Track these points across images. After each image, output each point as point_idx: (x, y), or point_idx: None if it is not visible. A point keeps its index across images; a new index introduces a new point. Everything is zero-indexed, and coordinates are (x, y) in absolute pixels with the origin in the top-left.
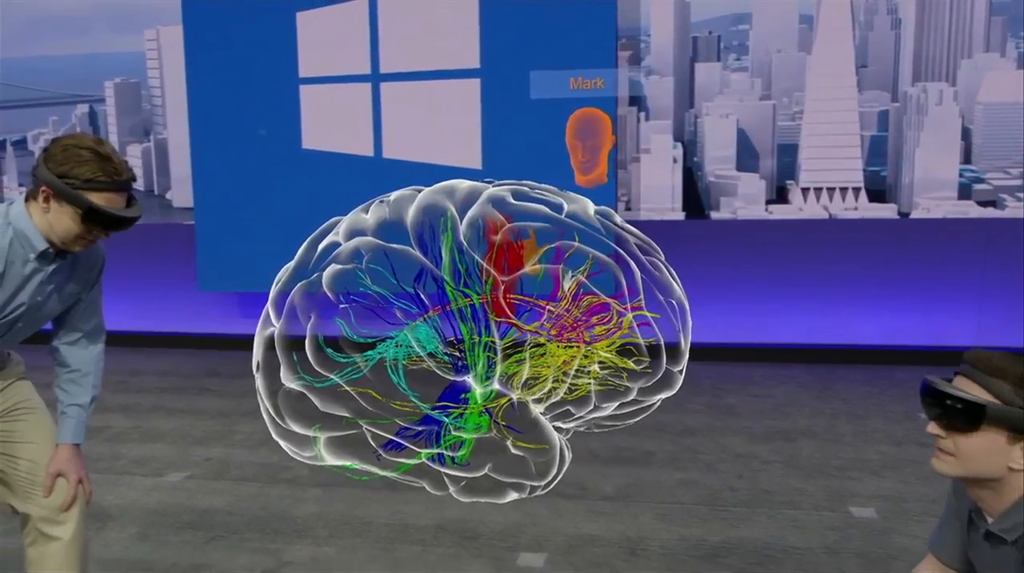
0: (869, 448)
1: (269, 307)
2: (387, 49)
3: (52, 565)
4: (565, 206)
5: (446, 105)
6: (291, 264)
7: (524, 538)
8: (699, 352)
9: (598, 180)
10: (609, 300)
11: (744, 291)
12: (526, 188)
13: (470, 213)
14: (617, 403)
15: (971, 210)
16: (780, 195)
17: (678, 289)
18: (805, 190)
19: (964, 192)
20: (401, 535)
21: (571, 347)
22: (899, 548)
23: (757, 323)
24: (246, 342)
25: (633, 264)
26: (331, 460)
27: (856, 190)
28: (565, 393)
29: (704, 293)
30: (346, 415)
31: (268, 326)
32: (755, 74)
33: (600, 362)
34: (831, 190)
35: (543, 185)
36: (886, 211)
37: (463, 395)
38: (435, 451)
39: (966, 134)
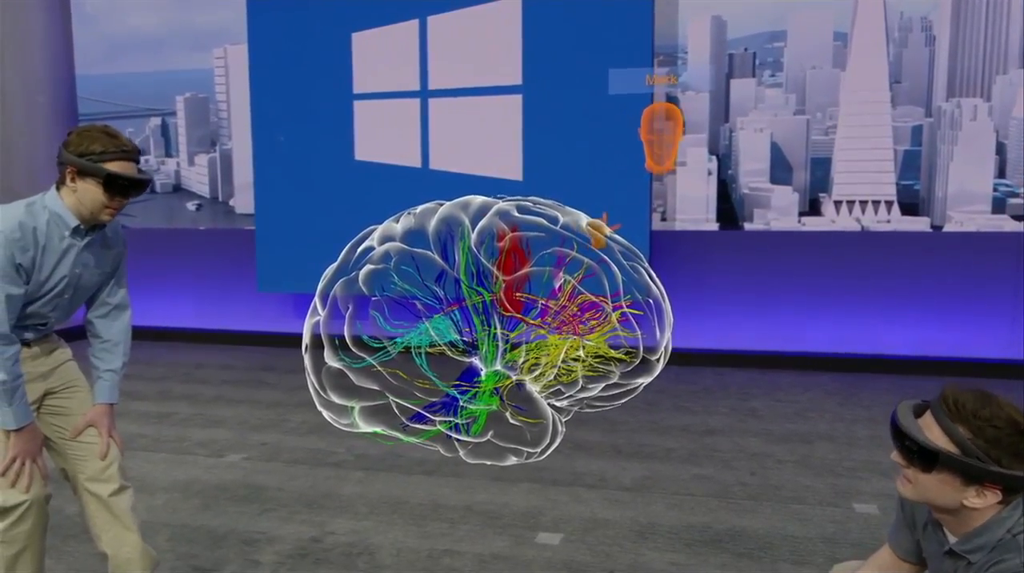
0: (882, 451)
1: (316, 300)
2: (435, 67)
3: (102, 517)
4: (560, 218)
5: (490, 120)
6: (334, 264)
7: (544, 520)
8: (728, 358)
9: (669, 168)
10: (598, 299)
11: (775, 301)
12: (529, 203)
13: (481, 223)
14: (602, 385)
15: (1005, 224)
16: (813, 207)
17: (655, 289)
18: (838, 203)
19: (998, 206)
20: (432, 513)
21: (565, 338)
22: None
23: (787, 332)
24: (300, 340)
25: (615, 267)
26: (364, 427)
27: (889, 203)
28: (561, 376)
29: (736, 302)
30: (379, 390)
31: (315, 315)
32: (789, 90)
33: (590, 352)
34: (864, 203)
35: (544, 200)
36: (919, 224)
37: (476, 378)
38: (453, 421)
39: (1000, 149)
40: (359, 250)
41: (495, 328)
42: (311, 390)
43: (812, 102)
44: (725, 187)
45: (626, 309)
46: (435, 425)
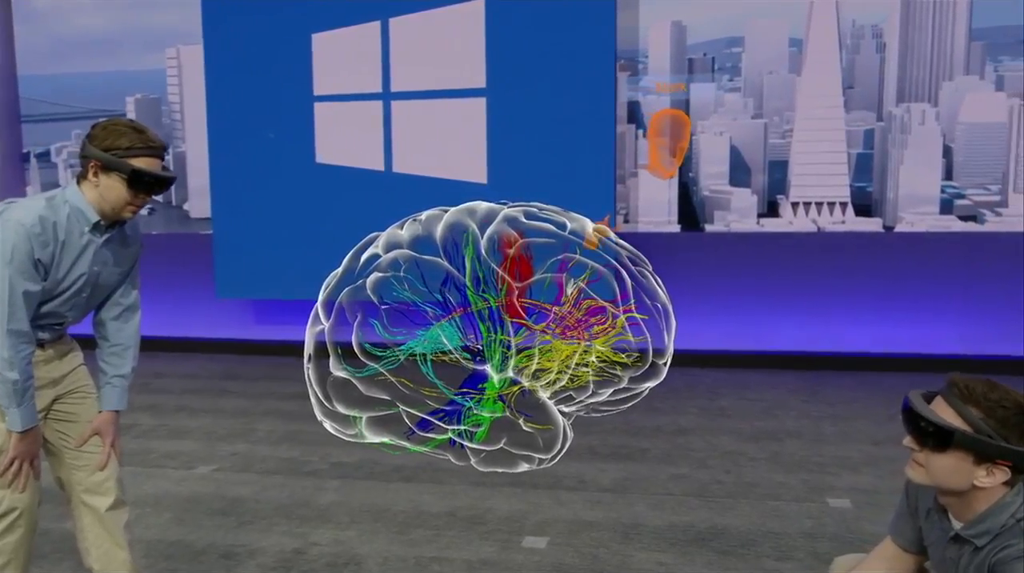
0: (850, 447)
1: (319, 309)
2: (398, 69)
3: (95, 531)
4: (568, 224)
5: (454, 123)
6: (338, 272)
7: (528, 524)
8: (695, 358)
9: (673, 173)
10: (605, 304)
11: (737, 301)
12: (535, 209)
13: (489, 230)
14: (611, 390)
15: (953, 224)
16: (771, 209)
17: (662, 294)
18: (795, 204)
19: (946, 207)
20: (416, 520)
21: (573, 343)
22: (870, 533)
23: (750, 331)
24: (262, 347)
25: (624, 273)
26: (370, 437)
27: (843, 205)
28: (568, 382)
29: (699, 302)
30: (384, 398)
31: (317, 325)
32: (747, 94)
33: (597, 356)
34: (819, 205)
35: (550, 206)
36: (872, 225)
37: (480, 384)
38: (459, 428)
39: (947, 152)
40: (363, 257)
41: (501, 334)
42: (313, 401)
43: (769, 106)
44: (686, 190)
45: (632, 313)
46: (440, 433)
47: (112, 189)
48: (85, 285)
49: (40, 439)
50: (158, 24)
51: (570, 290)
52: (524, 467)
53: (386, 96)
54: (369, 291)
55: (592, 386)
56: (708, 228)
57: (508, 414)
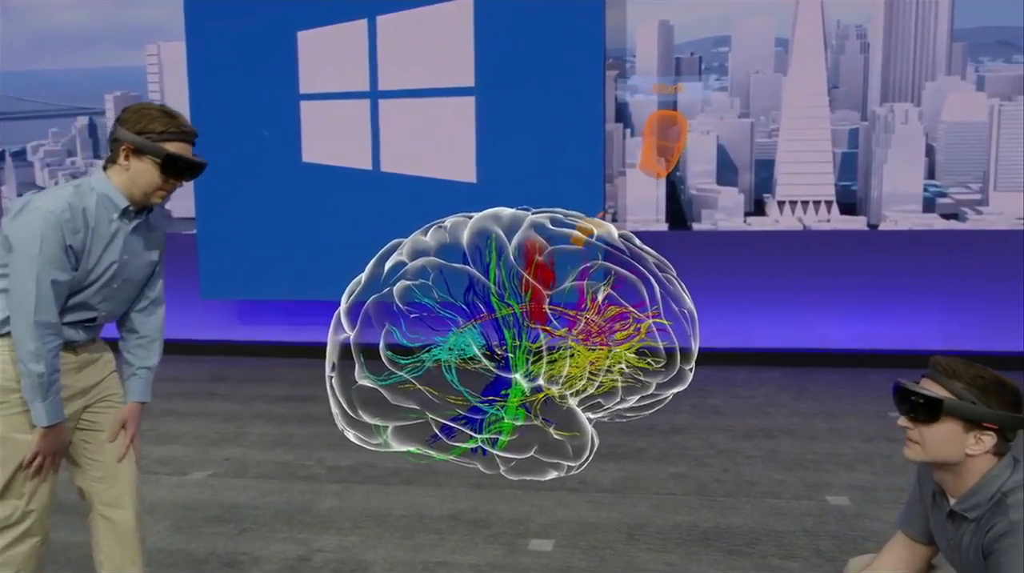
0: (843, 444)
1: (342, 316)
2: (386, 68)
3: (109, 545)
4: (596, 231)
5: (443, 121)
6: (361, 278)
7: (532, 526)
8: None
9: (665, 172)
10: (631, 310)
11: (724, 298)
12: (560, 215)
13: (516, 237)
14: (638, 397)
15: (935, 222)
16: (758, 208)
17: (688, 300)
18: (781, 203)
19: (928, 206)
20: (419, 525)
21: (598, 350)
22: (870, 531)
23: (738, 329)
24: (248, 348)
25: (653, 280)
26: (396, 446)
27: (828, 203)
28: (593, 388)
29: None
30: (411, 407)
31: (340, 332)
32: (734, 94)
33: (624, 362)
34: (805, 203)
35: (573, 212)
36: (856, 223)
37: (503, 391)
38: (485, 436)
39: (930, 151)
40: (388, 265)
41: (527, 341)
42: (336, 410)
43: (756, 106)
44: (674, 188)
45: (656, 319)
46: (463, 440)
47: (144, 173)
48: (116, 274)
49: (66, 439)
50: (138, 20)
51: (597, 296)
52: (553, 474)
53: (374, 95)
54: (396, 299)
55: (620, 392)
56: (696, 227)
57: (533, 421)
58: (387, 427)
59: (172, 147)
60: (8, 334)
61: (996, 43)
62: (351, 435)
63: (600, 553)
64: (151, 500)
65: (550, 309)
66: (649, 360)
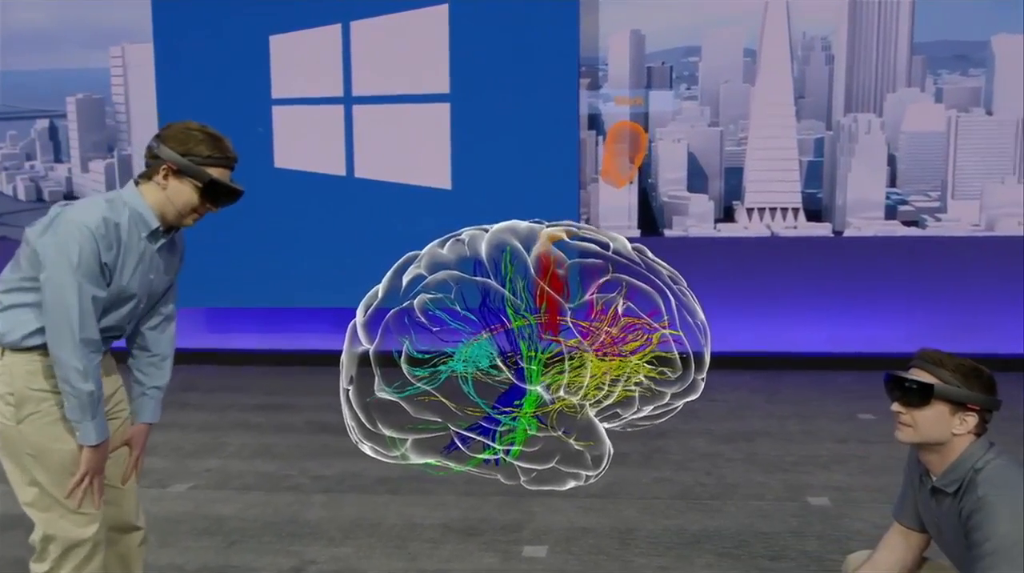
0: (818, 445)
1: (359, 329)
2: (360, 73)
3: (114, 566)
4: (611, 244)
5: (417, 128)
6: (378, 291)
7: (525, 533)
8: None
9: (628, 182)
10: (649, 321)
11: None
12: (574, 228)
13: (535, 250)
14: (651, 406)
15: (897, 229)
16: (727, 214)
17: (701, 312)
18: (750, 210)
19: (890, 213)
20: (411, 533)
21: (612, 360)
22: (852, 530)
23: (710, 333)
24: (217, 356)
25: (668, 292)
26: (415, 458)
27: (795, 210)
28: (603, 398)
29: None
30: (430, 419)
31: (357, 344)
32: (704, 103)
33: (641, 374)
34: (773, 210)
35: (586, 225)
36: (822, 229)
37: (516, 401)
38: (500, 446)
39: (891, 160)
40: (407, 278)
41: (542, 352)
42: (352, 423)
43: (725, 115)
44: (646, 195)
45: (669, 330)
46: (477, 450)
47: (182, 195)
48: (142, 294)
49: (108, 451)
50: (102, 21)
51: (617, 309)
52: (572, 484)
53: (347, 100)
54: (418, 311)
55: (638, 402)
56: (667, 233)
57: (547, 431)
58: (404, 439)
59: (215, 172)
60: (31, 348)
61: (953, 56)
62: (367, 448)
63: (594, 558)
64: None
65: (564, 321)
66: (665, 370)
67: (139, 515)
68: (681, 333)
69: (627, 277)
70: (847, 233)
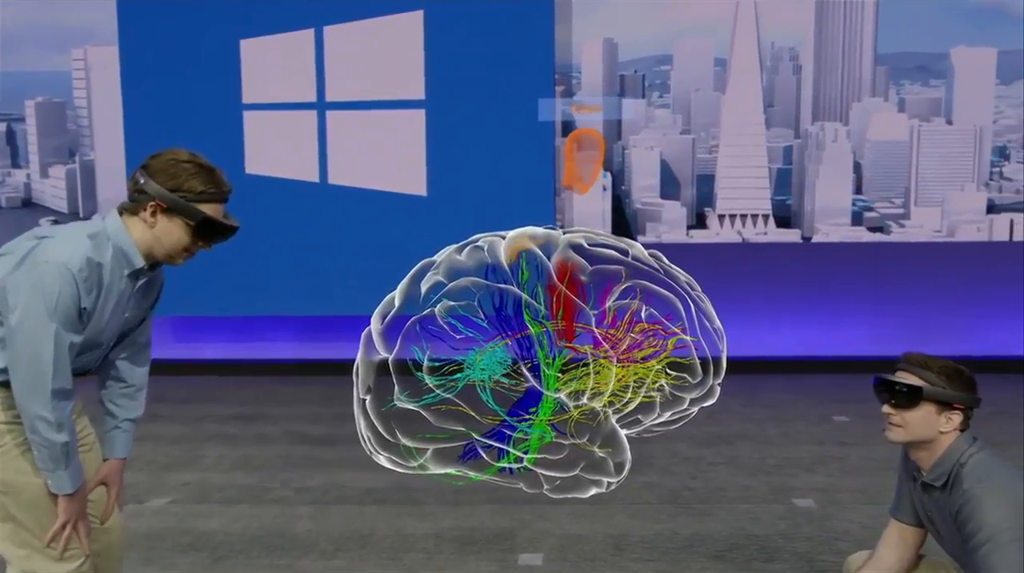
0: (797, 448)
1: (375, 337)
2: (333, 79)
3: None
4: (631, 250)
5: (393, 134)
6: (395, 300)
7: (518, 541)
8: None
9: (591, 187)
10: (670, 326)
11: None
12: (592, 235)
13: (554, 257)
14: (670, 412)
15: (863, 235)
16: (699, 221)
17: (717, 319)
18: (721, 217)
19: (856, 219)
20: (403, 544)
21: (629, 366)
22: (840, 531)
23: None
24: (186, 367)
25: (688, 298)
26: (436, 468)
27: (765, 217)
28: (620, 404)
29: None
30: (452, 427)
31: (373, 353)
32: (676, 111)
33: (663, 381)
34: (744, 217)
35: (602, 232)
36: (791, 235)
37: (531, 408)
38: (517, 453)
39: (857, 168)
40: (426, 286)
41: (559, 359)
42: (369, 433)
43: (696, 123)
44: (619, 202)
45: (686, 336)
46: (497, 459)
47: (171, 234)
48: (116, 333)
49: (87, 494)
50: (64, 22)
51: (640, 314)
52: (593, 491)
53: (321, 106)
54: (440, 319)
55: (658, 408)
56: (640, 239)
57: (563, 438)
58: (420, 449)
59: (208, 208)
60: None
61: (915, 68)
62: (383, 459)
63: (591, 565)
64: None
65: (587, 328)
66: (685, 376)
67: (119, 550)
68: (694, 338)
69: (649, 284)
70: (815, 239)
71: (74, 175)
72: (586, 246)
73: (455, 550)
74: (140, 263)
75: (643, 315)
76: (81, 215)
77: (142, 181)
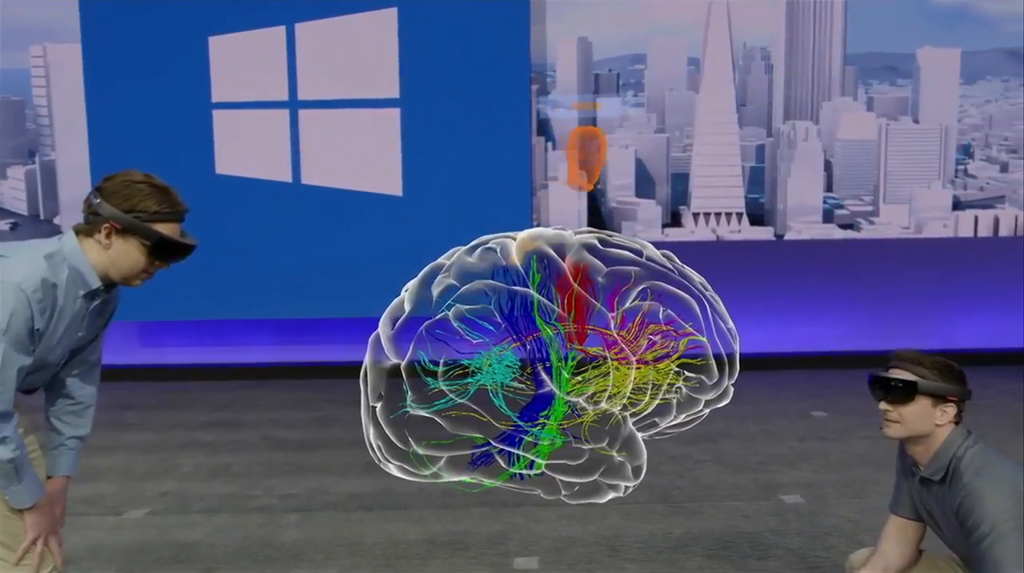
0: (780, 444)
1: (384, 342)
2: (305, 77)
3: None
4: (644, 251)
5: (367, 133)
6: (406, 304)
7: (512, 545)
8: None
9: (592, 185)
10: (687, 327)
11: None
12: (605, 235)
13: (568, 258)
14: (685, 414)
15: (834, 232)
16: (674, 219)
17: (730, 319)
18: (696, 215)
19: (827, 217)
20: (395, 552)
21: (640, 368)
22: (829, 525)
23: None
24: (154, 372)
25: (704, 299)
26: (449, 476)
27: (739, 215)
28: (642, 407)
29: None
30: (470, 434)
31: (383, 358)
32: (651, 110)
33: (680, 382)
34: (718, 215)
35: (615, 234)
36: (764, 233)
37: (542, 412)
38: (528, 458)
39: (828, 166)
40: (438, 289)
41: (568, 360)
42: (379, 442)
43: (671, 122)
44: (595, 201)
45: (698, 337)
46: (508, 464)
47: (128, 255)
48: (66, 353)
49: (54, 508)
50: (21, 19)
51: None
52: (611, 495)
53: (293, 104)
54: (454, 322)
55: (675, 410)
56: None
57: (574, 442)
58: (432, 457)
59: (164, 228)
60: None
61: (883, 68)
62: (393, 468)
63: (588, 567)
64: (88, 545)
65: (597, 330)
66: (702, 377)
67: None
68: (717, 340)
69: (664, 284)
70: (788, 236)
71: (34, 176)
72: (599, 247)
73: (448, 555)
74: (96, 284)
75: (661, 316)
76: (42, 216)
77: (96, 202)
